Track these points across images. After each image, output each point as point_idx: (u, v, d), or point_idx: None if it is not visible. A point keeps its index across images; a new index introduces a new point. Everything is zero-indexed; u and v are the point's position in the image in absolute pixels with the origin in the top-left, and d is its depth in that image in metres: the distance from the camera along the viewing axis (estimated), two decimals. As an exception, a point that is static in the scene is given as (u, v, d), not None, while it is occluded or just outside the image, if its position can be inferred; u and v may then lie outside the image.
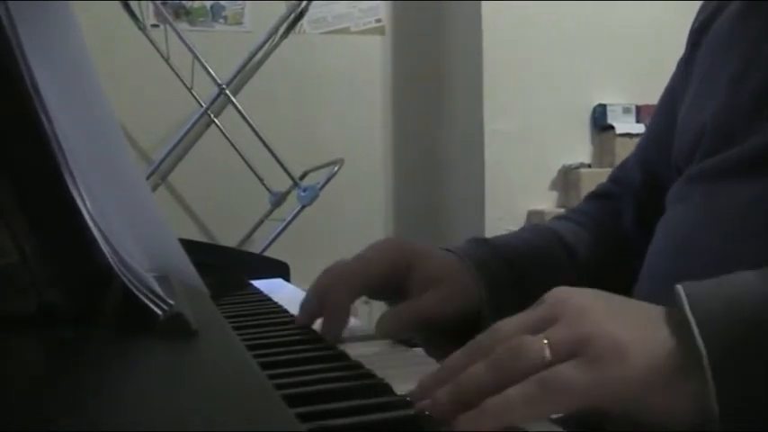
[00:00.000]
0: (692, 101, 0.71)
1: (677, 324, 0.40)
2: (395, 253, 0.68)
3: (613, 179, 0.88)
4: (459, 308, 0.68)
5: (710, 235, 0.61)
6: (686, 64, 0.76)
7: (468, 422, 0.38)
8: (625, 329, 0.40)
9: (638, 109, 2.92)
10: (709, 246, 0.61)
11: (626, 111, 2.92)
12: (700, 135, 0.66)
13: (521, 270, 0.73)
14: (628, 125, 2.88)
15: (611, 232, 0.81)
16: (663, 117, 0.80)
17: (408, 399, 0.42)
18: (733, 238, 0.59)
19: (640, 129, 2.82)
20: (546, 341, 0.40)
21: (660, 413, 0.39)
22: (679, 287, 0.41)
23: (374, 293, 0.69)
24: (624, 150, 2.75)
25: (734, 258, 0.58)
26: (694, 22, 0.76)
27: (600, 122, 2.92)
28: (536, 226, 0.84)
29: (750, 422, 0.38)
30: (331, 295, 0.64)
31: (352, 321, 0.67)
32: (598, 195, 0.88)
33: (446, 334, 0.67)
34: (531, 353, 0.40)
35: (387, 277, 0.67)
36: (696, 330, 0.39)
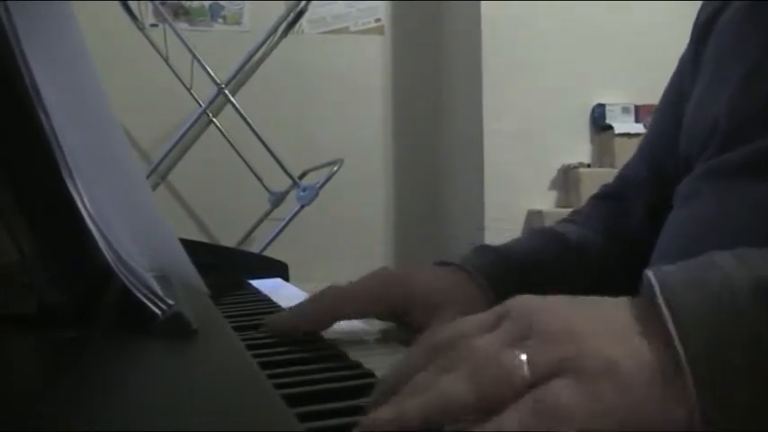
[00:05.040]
0: (701, 97, 0.70)
1: (652, 320, 0.37)
2: (393, 281, 0.67)
3: (619, 178, 0.87)
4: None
5: (723, 233, 0.60)
6: (693, 59, 0.75)
7: None
8: (609, 343, 0.36)
9: (637, 109, 2.92)
10: (720, 245, 0.60)
11: (625, 110, 2.92)
12: (711, 131, 0.66)
13: (528, 276, 0.72)
14: (627, 125, 2.88)
15: (620, 233, 0.80)
16: (668, 114, 0.80)
17: (366, 409, 0.38)
18: (747, 238, 0.58)
19: (639, 128, 2.83)
20: (524, 358, 0.36)
21: (655, 427, 0.35)
22: (650, 275, 0.38)
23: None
24: (623, 150, 2.76)
25: None
26: (699, 17, 0.76)
27: (599, 122, 2.92)
28: (542, 230, 0.83)
29: (735, 424, 0.35)
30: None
31: (354, 324, 0.67)
32: (603, 196, 0.87)
33: None
34: (511, 369, 0.35)
35: (383, 300, 0.66)
36: (675, 333, 0.36)
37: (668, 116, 0.79)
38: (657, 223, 0.71)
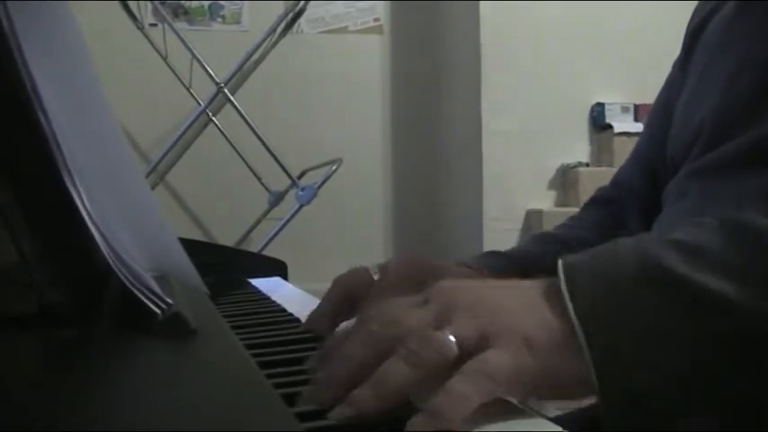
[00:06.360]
0: (688, 99, 0.72)
1: (555, 293, 0.43)
2: (412, 268, 0.67)
3: (614, 183, 0.88)
4: None
5: None
6: (682, 64, 0.76)
7: (426, 425, 0.37)
8: (522, 318, 0.43)
9: (637, 108, 2.92)
10: None
11: (624, 110, 2.93)
12: (697, 131, 0.67)
13: (528, 273, 0.74)
14: (626, 124, 2.88)
15: (616, 234, 0.81)
16: (659, 117, 0.81)
17: (305, 398, 0.42)
18: None
19: (639, 128, 2.83)
20: (452, 337, 0.41)
21: (566, 388, 0.42)
22: (559, 261, 0.45)
23: None
24: (622, 149, 2.76)
25: None
26: (689, 24, 0.77)
27: (598, 121, 2.92)
28: (541, 234, 0.85)
29: (630, 385, 0.40)
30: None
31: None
32: (599, 201, 0.88)
33: None
34: (443, 346, 0.41)
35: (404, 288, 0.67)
36: (568, 302, 0.42)
37: (659, 120, 0.80)
38: (652, 225, 0.72)
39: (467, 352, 0.41)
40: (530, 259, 0.77)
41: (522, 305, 0.44)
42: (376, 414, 0.40)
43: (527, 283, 0.46)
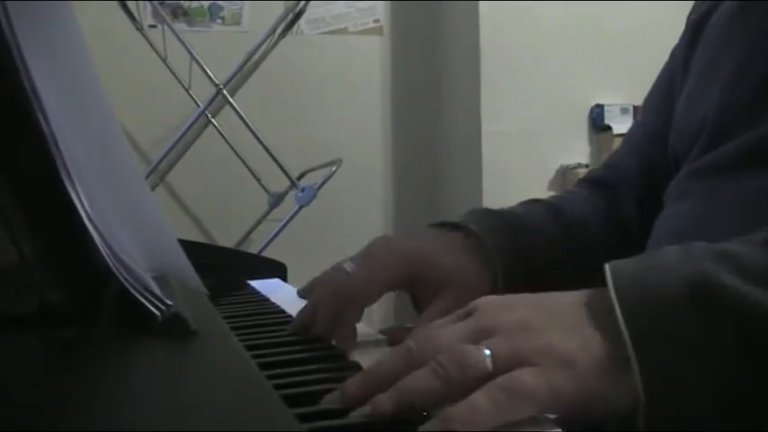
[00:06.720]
0: (689, 96, 0.71)
1: (604, 311, 0.42)
2: (400, 261, 0.67)
3: (608, 167, 0.87)
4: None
5: (713, 230, 0.61)
6: (684, 58, 0.76)
7: (432, 427, 0.38)
8: (564, 338, 0.41)
9: (636, 109, 2.92)
10: (711, 241, 0.61)
11: (623, 111, 2.93)
12: (699, 130, 0.67)
13: (527, 241, 0.73)
14: (625, 125, 2.87)
15: (613, 222, 0.81)
16: (658, 108, 0.80)
17: (327, 405, 0.42)
18: (735, 233, 0.59)
19: (638, 129, 2.83)
20: (488, 352, 0.41)
21: (606, 410, 0.41)
22: (606, 267, 0.44)
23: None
24: (622, 150, 2.75)
25: None
26: (691, 14, 0.76)
27: (597, 123, 2.92)
28: (535, 200, 0.83)
29: (677, 408, 0.39)
30: (342, 318, 0.63)
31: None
32: (593, 182, 0.87)
33: None
34: (475, 363, 0.41)
35: (394, 286, 0.67)
36: (623, 325, 0.40)
37: (659, 110, 0.80)
38: (647, 216, 0.72)
39: (501, 370, 0.40)
40: (527, 222, 0.76)
41: (568, 324, 0.43)
42: (391, 414, 0.39)
43: (570, 296, 0.45)
